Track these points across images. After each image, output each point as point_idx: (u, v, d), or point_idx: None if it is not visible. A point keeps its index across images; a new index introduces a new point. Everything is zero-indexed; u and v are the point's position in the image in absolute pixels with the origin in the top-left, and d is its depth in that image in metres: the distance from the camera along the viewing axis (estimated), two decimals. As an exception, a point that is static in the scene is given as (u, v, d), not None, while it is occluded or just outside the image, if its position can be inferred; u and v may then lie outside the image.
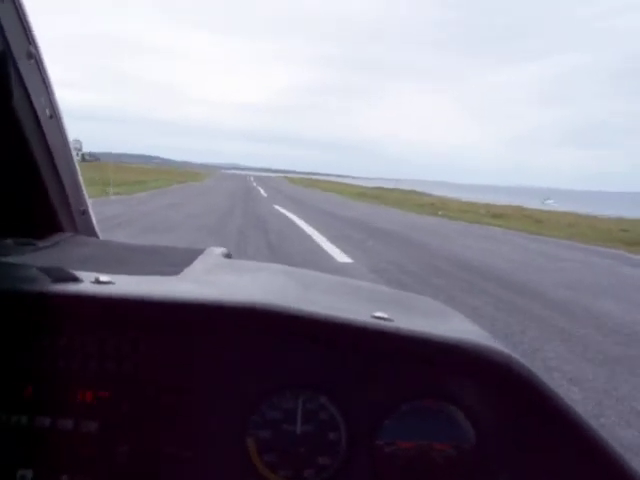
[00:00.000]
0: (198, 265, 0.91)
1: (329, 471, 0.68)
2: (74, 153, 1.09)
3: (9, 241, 0.92)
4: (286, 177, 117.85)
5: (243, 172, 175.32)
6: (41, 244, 0.93)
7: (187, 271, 0.85)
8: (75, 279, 0.71)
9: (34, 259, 0.82)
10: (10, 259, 0.81)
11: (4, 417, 0.67)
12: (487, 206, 29.83)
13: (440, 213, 21.51)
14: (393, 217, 18.63)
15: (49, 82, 0.99)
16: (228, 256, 1.05)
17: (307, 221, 13.76)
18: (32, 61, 0.94)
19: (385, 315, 0.71)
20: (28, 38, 0.93)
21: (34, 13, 0.94)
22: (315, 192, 41.53)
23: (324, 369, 0.69)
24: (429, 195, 47.87)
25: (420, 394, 0.69)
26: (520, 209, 28.97)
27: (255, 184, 49.91)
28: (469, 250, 10.43)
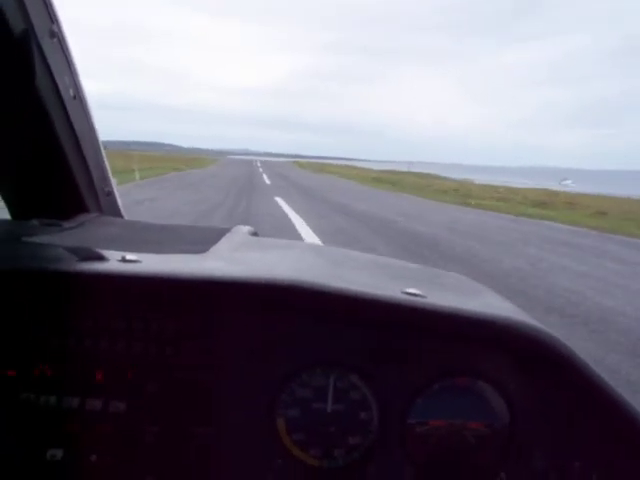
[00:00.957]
0: (225, 243, 0.89)
1: (360, 450, 0.66)
2: (98, 134, 1.05)
3: (35, 222, 0.92)
4: (295, 162, 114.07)
5: (253, 157, 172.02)
6: (67, 225, 0.92)
7: (214, 249, 0.84)
8: (102, 258, 0.71)
9: (61, 239, 0.81)
10: (37, 239, 0.81)
11: (33, 397, 0.66)
12: (515, 191, 26.70)
13: (473, 203, 18.02)
14: (421, 210, 15.09)
15: (72, 62, 0.97)
16: (255, 234, 1.03)
17: (316, 225, 9.65)
18: (55, 40, 0.92)
19: (417, 291, 0.69)
20: (51, 17, 0.91)
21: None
22: (325, 178, 38.14)
23: (356, 347, 0.67)
24: (448, 179, 44.44)
25: (453, 372, 0.67)
26: (554, 194, 25.94)
27: (261, 170, 46.81)
28: (589, 282, 6.22)
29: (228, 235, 0.95)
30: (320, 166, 69.09)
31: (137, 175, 21.71)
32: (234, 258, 0.81)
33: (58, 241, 0.78)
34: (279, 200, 15.56)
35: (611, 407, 0.64)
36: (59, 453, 0.64)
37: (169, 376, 0.66)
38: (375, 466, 0.66)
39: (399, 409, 0.66)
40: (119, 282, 0.67)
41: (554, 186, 39.76)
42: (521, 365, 0.66)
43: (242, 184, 24.18)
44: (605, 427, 0.65)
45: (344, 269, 0.82)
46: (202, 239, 0.88)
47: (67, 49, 0.95)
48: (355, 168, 67.14)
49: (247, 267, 0.75)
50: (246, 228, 1.04)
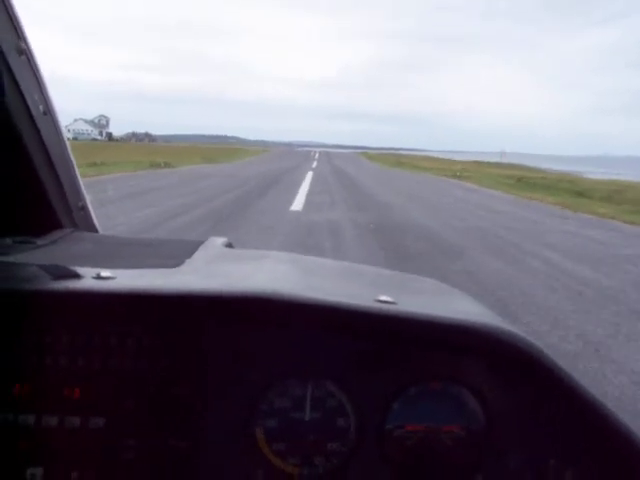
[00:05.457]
0: (199, 256, 0.89)
1: (339, 457, 0.68)
2: (69, 149, 1.06)
3: (8, 240, 0.90)
4: (363, 153, 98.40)
5: (315, 149, 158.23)
6: (40, 242, 0.91)
7: (188, 262, 0.84)
8: (76, 276, 0.71)
9: (34, 257, 0.80)
10: (10, 258, 0.80)
11: (11, 417, 0.66)
12: None
13: None
14: None
15: (41, 78, 0.97)
16: (229, 246, 1.03)
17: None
18: (23, 57, 0.92)
19: (389, 298, 0.70)
20: (18, 33, 0.91)
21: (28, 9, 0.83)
22: (423, 180, 22.60)
23: (331, 355, 0.68)
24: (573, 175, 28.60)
25: (428, 377, 0.69)
26: None
27: (315, 164, 32.44)
28: None
29: (202, 247, 0.95)
30: (397, 159, 53.13)
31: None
32: (209, 271, 0.81)
33: (32, 259, 0.77)
34: None
35: (584, 408, 0.65)
36: (39, 472, 0.64)
37: (147, 390, 0.66)
38: (354, 471, 0.68)
39: (376, 415, 0.67)
40: (94, 300, 0.67)
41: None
42: (495, 369, 0.67)
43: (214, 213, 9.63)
44: (578, 426, 0.66)
45: (318, 278, 0.84)
46: (177, 252, 0.88)
47: (35, 65, 0.94)
48: (444, 161, 50.52)
49: (220, 280, 0.75)
50: (221, 240, 1.03)
